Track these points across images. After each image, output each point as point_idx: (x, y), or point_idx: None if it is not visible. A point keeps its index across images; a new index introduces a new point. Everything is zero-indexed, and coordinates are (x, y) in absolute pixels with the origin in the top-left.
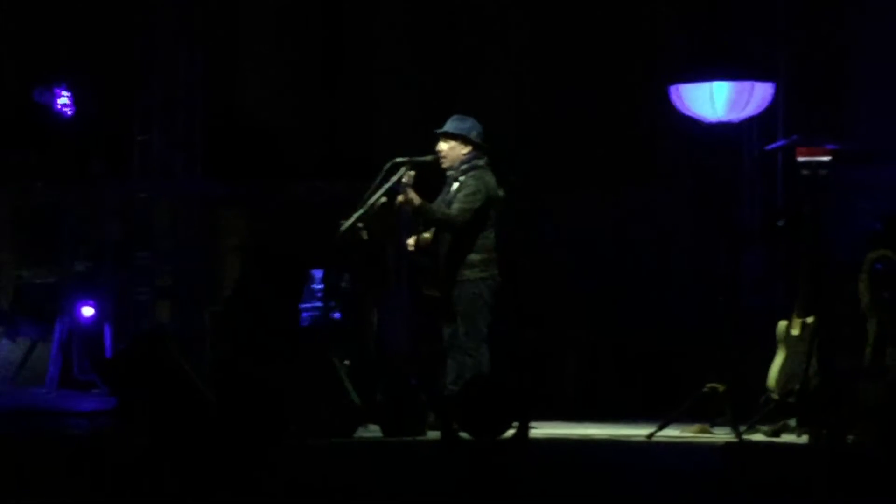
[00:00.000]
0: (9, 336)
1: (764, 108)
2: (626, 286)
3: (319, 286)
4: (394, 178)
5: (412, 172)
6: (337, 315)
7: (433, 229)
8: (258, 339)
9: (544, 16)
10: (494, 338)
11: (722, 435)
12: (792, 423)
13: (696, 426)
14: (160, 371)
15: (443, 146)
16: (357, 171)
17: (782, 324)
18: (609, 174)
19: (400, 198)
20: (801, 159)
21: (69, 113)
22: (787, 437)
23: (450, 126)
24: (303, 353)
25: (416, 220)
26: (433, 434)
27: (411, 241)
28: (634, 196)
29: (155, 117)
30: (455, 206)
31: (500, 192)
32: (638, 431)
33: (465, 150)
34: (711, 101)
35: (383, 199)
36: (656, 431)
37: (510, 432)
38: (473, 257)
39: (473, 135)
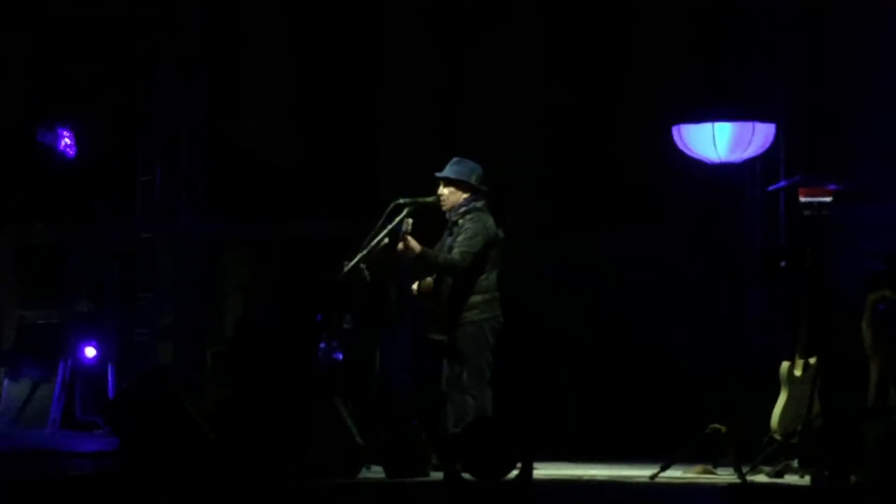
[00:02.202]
0: (11, 377)
1: (766, 149)
2: (628, 326)
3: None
4: (397, 220)
5: (411, 220)
6: (339, 355)
7: (435, 274)
8: (261, 379)
9: (546, 56)
10: (496, 378)
11: (725, 476)
12: (794, 463)
13: (699, 467)
14: (162, 412)
15: (443, 190)
16: (361, 210)
17: (785, 364)
18: (611, 214)
19: (400, 245)
20: (803, 199)
21: (72, 154)
22: (789, 478)
23: (449, 171)
24: (306, 393)
25: (418, 265)
26: (436, 475)
27: (415, 286)
28: (636, 236)
29: (157, 157)
30: (456, 250)
31: (500, 234)
32: (641, 472)
33: (465, 194)
34: (713, 141)
35: (386, 241)
36: (659, 472)
37: (514, 473)
38: (475, 299)
39: (473, 178)
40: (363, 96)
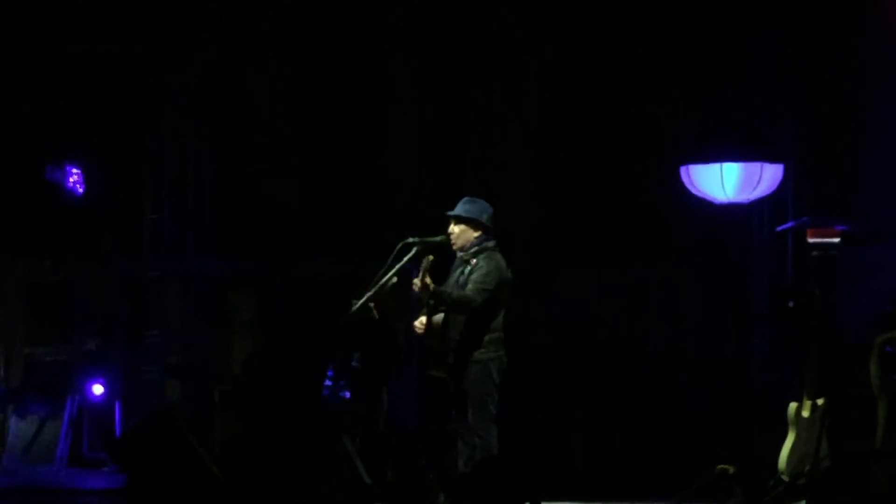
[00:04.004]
0: (18, 414)
1: (774, 189)
2: (636, 366)
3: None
4: (405, 259)
5: (431, 257)
6: (347, 394)
7: (442, 313)
8: (269, 417)
9: (555, 95)
10: (503, 417)
11: None
12: None
13: None
14: (170, 449)
15: (454, 229)
16: (368, 250)
17: (793, 405)
18: (619, 254)
19: (416, 281)
20: (811, 240)
21: (80, 191)
22: None
23: (461, 209)
24: (314, 432)
25: (429, 302)
26: None
27: (418, 322)
28: (644, 276)
29: (165, 195)
30: (470, 287)
31: (509, 274)
32: None
33: (476, 233)
34: (721, 181)
35: (395, 280)
36: None
37: None
38: (483, 338)
39: (484, 218)
40: (371, 135)
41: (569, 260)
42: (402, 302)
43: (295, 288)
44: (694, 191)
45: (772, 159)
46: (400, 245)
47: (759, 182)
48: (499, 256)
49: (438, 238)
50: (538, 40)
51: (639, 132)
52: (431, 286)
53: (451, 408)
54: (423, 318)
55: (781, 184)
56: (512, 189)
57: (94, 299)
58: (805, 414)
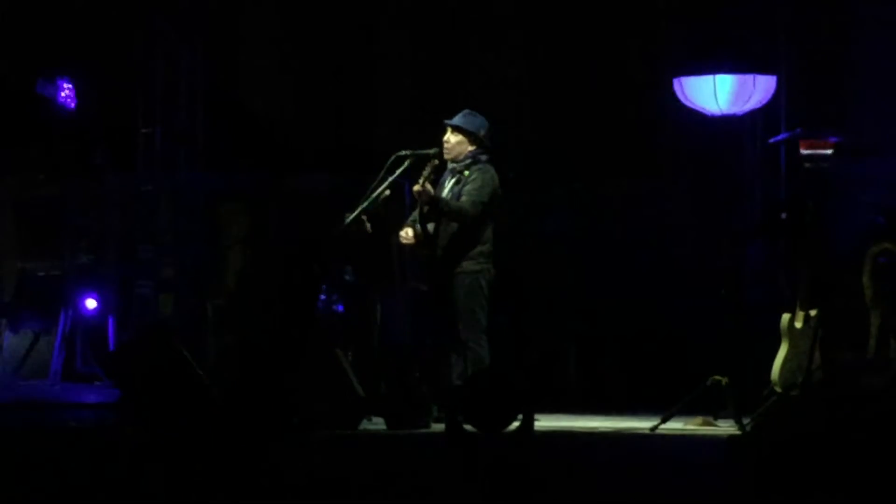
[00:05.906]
0: (12, 328)
1: (766, 101)
2: (629, 279)
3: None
4: (398, 172)
5: (436, 161)
6: (340, 307)
7: (432, 223)
8: (262, 331)
9: (545, 8)
10: (498, 331)
11: (725, 427)
12: None
13: (700, 419)
14: (163, 364)
15: (450, 138)
16: (360, 164)
17: (786, 317)
18: (611, 167)
19: (416, 188)
20: (803, 152)
21: (71, 105)
22: None
23: (461, 121)
24: (307, 346)
25: (422, 210)
26: (437, 426)
27: (403, 233)
28: (636, 189)
29: (157, 110)
30: (465, 198)
31: (500, 187)
32: (641, 424)
33: (472, 146)
34: (714, 93)
35: (387, 193)
36: (659, 424)
37: (514, 425)
38: (473, 250)
39: (482, 132)
40: (362, 48)
41: (561, 173)
42: (396, 215)
43: (288, 202)
44: (687, 103)
45: (765, 71)
46: (392, 158)
47: (752, 94)
48: (492, 170)
49: (431, 151)
50: None
51: (632, 44)
52: (431, 192)
53: (441, 321)
54: (409, 230)
55: (774, 96)
56: (504, 101)
57: (86, 214)
58: (798, 325)
